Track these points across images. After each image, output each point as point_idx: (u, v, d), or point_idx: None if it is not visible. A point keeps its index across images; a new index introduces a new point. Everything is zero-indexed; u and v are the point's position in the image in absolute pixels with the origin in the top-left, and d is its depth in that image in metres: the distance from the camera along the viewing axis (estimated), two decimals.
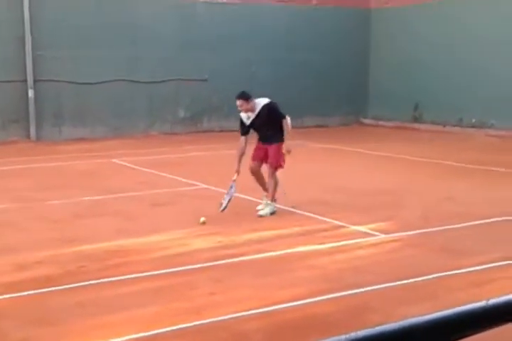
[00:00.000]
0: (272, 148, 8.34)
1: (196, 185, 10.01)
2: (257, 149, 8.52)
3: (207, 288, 5.46)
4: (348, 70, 19.61)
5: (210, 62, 17.52)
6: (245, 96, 8.36)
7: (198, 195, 9.44)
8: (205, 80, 17.51)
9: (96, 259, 6.21)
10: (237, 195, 8.51)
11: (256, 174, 8.50)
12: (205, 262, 6.13)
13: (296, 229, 7.39)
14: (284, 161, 8.41)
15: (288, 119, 8.38)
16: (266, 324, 4.74)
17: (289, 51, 18.52)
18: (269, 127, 8.33)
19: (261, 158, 8.45)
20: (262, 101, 8.46)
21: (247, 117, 8.43)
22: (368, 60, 20.09)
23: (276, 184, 8.41)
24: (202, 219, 7.67)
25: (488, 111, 16.80)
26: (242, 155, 8.37)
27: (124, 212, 8.35)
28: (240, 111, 8.49)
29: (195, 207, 8.66)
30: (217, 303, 5.10)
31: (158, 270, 5.88)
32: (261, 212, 8.15)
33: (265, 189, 8.45)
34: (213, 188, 9.74)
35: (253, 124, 8.38)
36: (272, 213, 8.17)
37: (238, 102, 8.35)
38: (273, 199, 8.31)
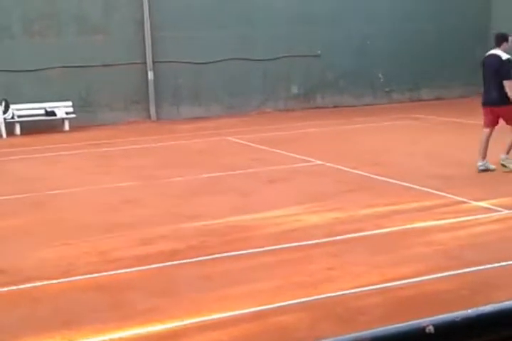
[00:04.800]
0: None
1: (311, 162, 10.03)
2: None
3: (324, 263, 5.50)
4: (467, 39, 18.78)
5: (322, 37, 17.35)
6: None
7: (312, 171, 9.46)
8: (318, 56, 17.38)
9: (216, 234, 6.39)
10: (349, 170, 8.44)
11: None
12: (322, 238, 6.16)
13: (414, 205, 7.25)
14: None
15: None
16: (383, 300, 4.71)
17: (403, 22, 17.98)
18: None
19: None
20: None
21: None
22: (489, 27, 19.12)
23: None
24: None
25: None
26: None
27: (241, 188, 8.52)
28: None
29: (310, 183, 8.69)
30: (334, 278, 5.13)
31: (276, 245, 5.98)
32: None
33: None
34: (328, 164, 9.72)
35: None
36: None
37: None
38: None
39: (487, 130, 8.89)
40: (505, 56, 8.58)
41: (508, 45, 8.73)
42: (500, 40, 8.72)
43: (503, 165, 8.82)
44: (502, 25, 18.69)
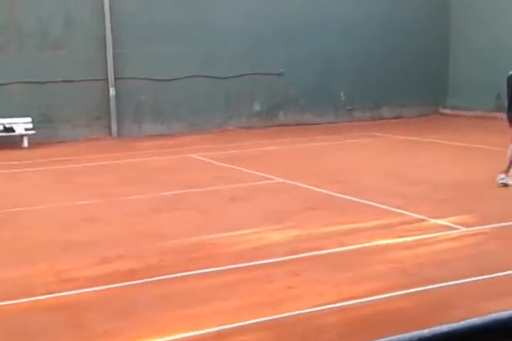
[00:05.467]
0: None
1: (273, 179, 10.05)
2: None
3: (284, 281, 5.49)
4: (426, 59, 19.15)
5: (285, 55, 17.50)
6: None
7: (274, 189, 9.48)
8: (281, 74, 17.51)
9: (176, 253, 6.34)
10: (310, 188, 8.50)
11: None
12: (283, 256, 6.16)
13: (375, 223, 7.31)
14: None
15: None
16: (343, 319, 4.72)
17: (366, 41, 18.24)
18: None
19: None
20: None
21: None
22: (448, 48, 19.55)
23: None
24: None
25: None
26: None
27: (202, 206, 8.48)
28: None
29: (272, 201, 8.71)
30: (294, 297, 5.12)
31: (238, 264, 5.96)
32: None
33: None
34: (290, 182, 9.76)
35: None
36: None
37: None
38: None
39: None
40: None
41: None
42: None
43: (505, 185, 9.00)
44: (461, 48, 19.16)
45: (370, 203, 8.22)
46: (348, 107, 18.41)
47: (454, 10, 19.31)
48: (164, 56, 16.25)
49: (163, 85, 16.40)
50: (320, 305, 4.90)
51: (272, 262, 6.02)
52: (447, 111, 19.40)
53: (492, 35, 18.10)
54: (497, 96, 18.17)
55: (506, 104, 9.29)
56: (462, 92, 19.10)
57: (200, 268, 5.82)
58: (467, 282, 5.29)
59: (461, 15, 19.10)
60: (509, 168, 9.08)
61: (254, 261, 6.03)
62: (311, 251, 6.30)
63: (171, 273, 5.71)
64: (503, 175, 9.07)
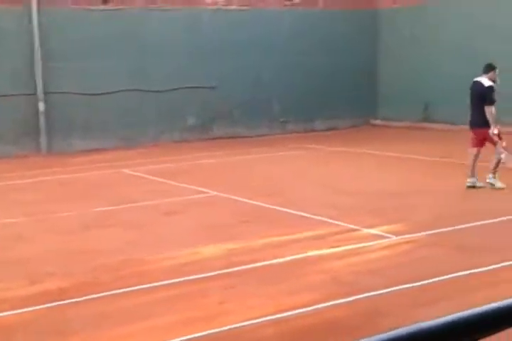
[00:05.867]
0: None
1: (207, 193, 9.99)
2: None
3: (219, 295, 5.44)
4: (356, 72, 19.55)
5: (218, 69, 17.53)
6: None
7: (208, 203, 9.42)
8: (214, 88, 17.52)
9: (109, 270, 6.20)
10: (244, 200, 8.50)
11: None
12: (218, 270, 6.11)
13: (308, 234, 7.35)
14: None
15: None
16: (278, 331, 4.70)
17: (296, 55, 18.49)
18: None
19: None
20: None
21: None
22: (377, 62, 20.02)
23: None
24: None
25: (499, 108, 16.64)
26: None
27: (136, 221, 8.35)
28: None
29: (206, 214, 8.65)
30: (229, 311, 5.07)
31: (171, 279, 5.87)
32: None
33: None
34: (224, 195, 9.72)
35: None
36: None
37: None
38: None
39: (473, 150, 9.61)
40: (487, 83, 9.44)
41: (495, 76, 9.56)
42: (489, 69, 9.60)
43: (491, 185, 9.49)
44: (389, 61, 19.64)
45: (304, 214, 8.27)
46: (281, 119, 18.57)
47: (382, 25, 19.81)
48: (95, 70, 16.02)
49: (94, 99, 16.14)
50: (255, 318, 4.87)
51: (207, 276, 5.96)
52: (378, 122, 19.81)
53: (419, 49, 18.64)
54: (425, 108, 18.70)
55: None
56: (392, 104, 19.56)
57: (134, 285, 5.71)
58: (399, 289, 5.36)
59: (388, 31, 19.60)
60: (473, 172, 9.54)
61: (188, 275, 5.95)
62: (246, 264, 6.27)
63: (105, 291, 5.58)
64: (469, 179, 9.53)
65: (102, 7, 16.19)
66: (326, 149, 14.96)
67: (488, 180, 9.54)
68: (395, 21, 19.35)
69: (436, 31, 18.15)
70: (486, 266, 5.84)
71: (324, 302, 5.14)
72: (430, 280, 5.53)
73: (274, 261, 6.35)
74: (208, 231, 7.67)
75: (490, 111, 9.33)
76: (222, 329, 4.68)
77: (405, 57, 19.07)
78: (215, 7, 17.65)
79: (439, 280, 5.54)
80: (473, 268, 5.79)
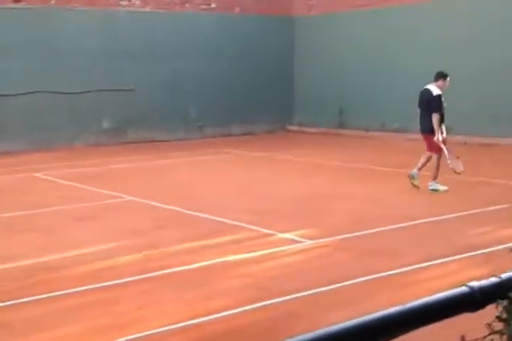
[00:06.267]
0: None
1: (122, 198, 9.81)
2: None
3: (134, 302, 5.34)
4: (273, 78, 19.75)
5: (134, 72, 17.29)
6: None
7: (124, 208, 9.26)
8: (131, 90, 17.27)
9: (15, 278, 5.97)
10: (160, 205, 8.40)
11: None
12: (132, 276, 6.00)
13: (226, 239, 7.34)
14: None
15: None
16: (194, 336, 4.66)
17: (214, 59, 18.50)
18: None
19: None
20: None
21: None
22: (293, 67, 20.30)
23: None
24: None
25: (409, 115, 17.20)
26: None
27: (47, 227, 8.10)
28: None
29: (121, 219, 8.49)
30: (144, 318, 4.99)
31: (83, 286, 5.71)
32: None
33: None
34: (140, 200, 9.58)
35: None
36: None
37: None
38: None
39: (430, 153, 9.87)
40: (436, 92, 9.69)
41: (445, 84, 9.81)
42: (439, 77, 9.83)
43: (412, 177, 9.88)
44: (304, 68, 19.95)
45: (221, 219, 8.25)
46: (199, 124, 18.52)
47: (298, 31, 20.11)
48: (5, 71, 15.47)
49: (5, 101, 15.57)
50: (170, 324, 4.81)
51: (121, 283, 5.84)
52: (294, 127, 20.08)
53: (334, 56, 19.03)
54: (339, 114, 19.10)
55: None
56: (308, 110, 19.88)
57: (43, 293, 5.52)
58: (313, 293, 5.43)
59: (305, 37, 19.92)
60: (435, 175, 9.80)
61: (101, 282, 5.81)
62: (161, 269, 6.19)
63: (12, 299, 5.36)
64: (432, 182, 9.79)
65: (13, 6, 15.68)
66: (243, 154, 15.03)
67: (430, 187, 9.79)
68: (311, 28, 19.69)
69: (351, 39, 18.60)
70: (395, 269, 6.00)
71: (240, 306, 5.14)
72: (342, 284, 5.62)
73: (191, 266, 6.30)
74: (123, 236, 7.53)
75: (436, 118, 9.62)
76: (136, 336, 4.59)
77: (321, 64, 19.44)
78: (130, 9, 17.43)
79: (350, 284, 5.65)
80: (383, 272, 5.94)
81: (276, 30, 19.79)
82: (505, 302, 1.44)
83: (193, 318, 4.93)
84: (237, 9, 19.21)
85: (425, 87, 9.99)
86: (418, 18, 17.02)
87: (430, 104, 9.71)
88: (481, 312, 1.41)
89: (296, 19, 20.16)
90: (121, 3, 17.35)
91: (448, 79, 9.84)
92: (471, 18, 15.87)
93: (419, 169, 9.90)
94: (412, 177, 9.88)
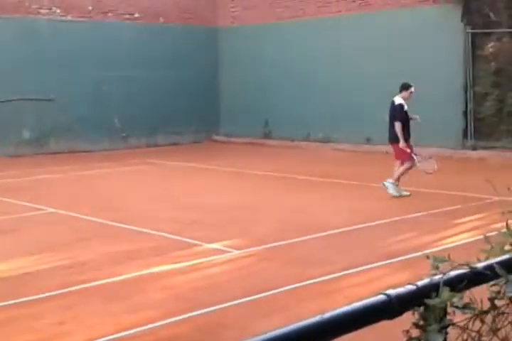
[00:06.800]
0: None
1: (43, 210, 9.56)
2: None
3: (55, 317, 5.20)
4: (198, 88, 19.74)
5: (56, 82, 16.92)
6: None
7: (44, 220, 9.01)
8: (51, 100, 16.87)
9: None
10: (83, 217, 8.22)
11: None
12: (54, 290, 5.85)
13: (150, 250, 7.25)
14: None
15: None
16: None
17: (138, 69, 18.34)
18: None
19: None
20: None
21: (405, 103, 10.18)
22: (218, 78, 20.36)
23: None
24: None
25: (333, 126, 17.57)
26: None
27: None
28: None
29: (41, 232, 8.27)
30: (66, 333, 4.87)
31: (1, 302, 5.52)
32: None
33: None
34: (61, 212, 9.35)
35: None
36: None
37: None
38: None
39: (400, 162, 10.27)
40: (398, 102, 10.18)
41: (408, 94, 10.16)
42: (402, 88, 10.31)
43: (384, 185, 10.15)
44: (230, 79, 20.05)
45: (145, 230, 8.16)
46: (123, 134, 18.27)
47: (222, 42, 20.20)
48: None
49: None
50: (95, 338, 4.71)
51: (42, 297, 5.68)
52: (220, 137, 20.11)
53: (258, 67, 19.20)
54: (265, 124, 19.27)
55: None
56: (234, 120, 19.95)
57: None
58: (239, 303, 5.43)
59: (229, 48, 20.03)
60: (399, 178, 10.13)
61: (21, 297, 5.63)
62: (84, 283, 6.05)
63: None
64: (390, 180, 10.11)
65: None
66: (168, 164, 14.92)
67: (385, 184, 10.13)
68: (236, 39, 19.82)
69: (275, 50, 18.81)
70: (320, 277, 6.08)
71: (165, 319, 5.08)
72: (269, 293, 5.65)
73: (115, 278, 6.19)
74: (43, 249, 7.32)
75: (398, 126, 10.02)
76: None
77: (246, 74, 19.57)
78: (51, 17, 17.07)
79: (277, 292, 5.68)
80: (309, 280, 6.01)
81: (200, 41, 19.81)
82: (421, 309, 1.48)
83: (117, 332, 4.84)
84: (161, 19, 19.13)
85: (392, 99, 10.41)
86: (341, 30, 17.40)
87: (393, 114, 10.18)
88: (398, 319, 1.45)
89: (220, 30, 20.25)
90: (42, 11, 16.98)
91: (410, 89, 10.21)
92: (388, 31, 16.35)
93: (396, 179, 10.15)
94: (384, 186, 10.13)
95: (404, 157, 10.19)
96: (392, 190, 10.09)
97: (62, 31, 17.11)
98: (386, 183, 10.15)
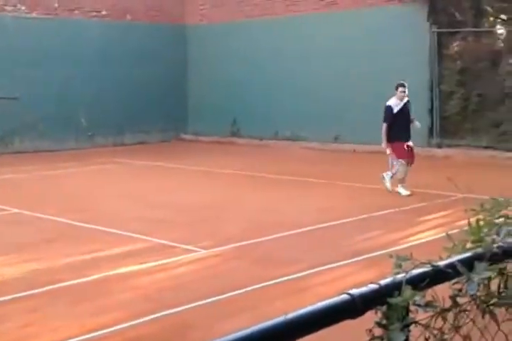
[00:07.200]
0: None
1: (7, 210, 9.41)
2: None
3: (20, 320, 5.13)
4: (166, 87, 19.62)
5: (20, 79, 16.66)
6: None
7: (8, 221, 8.87)
8: (16, 98, 16.61)
9: None
10: (49, 218, 8.12)
11: None
12: (19, 292, 5.76)
13: (117, 251, 7.20)
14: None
15: None
16: None
17: (105, 67, 18.16)
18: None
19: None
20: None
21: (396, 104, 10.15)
22: (186, 77, 20.27)
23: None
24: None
25: (302, 124, 17.62)
26: None
27: None
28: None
29: (5, 233, 8.14)
30: (30, 335, 4.80)
31: None
32: None
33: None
34: (26, 213, 9.21)
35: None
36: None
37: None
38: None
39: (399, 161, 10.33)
40: (388, 103, 10.23)
41: (399, 93, 10.13)
42: (395, 88, 10.19)
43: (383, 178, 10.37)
44: (198, 78, 19.98)
45: (113, 230, 8.08)
46: (89, 133, 18.09)
47: (190, 40, 20.12)
48: None
49: None
50: None
51: (7, 300, 5.59)
52: (188, 136, 20.03)
53: (226, 65, 19.16)
54: (233, 123, 19.25)
55: None
56: (202, 119, 19.88)
57: None
58: (206, 303, 5.40)
59: (197, 46, 19.96)
60: (403, 179, 10.27)
61: None
62: (50, 284, 5.98)
63: None
64: (389, 173, 10.29)
65: None
66: (136, 163, 14.81)
67: (384, 176, 10.35)
68: (204, 37, 19.76)
69: (243, 48, 18.80)
70: (287, 276, 6.09)
71: (131, 320, 5.04)
72: (236, 292, 5.64)
73: (81, 280, 6.12)
74: (8, 251, 7.21)
75: (384, 127, 10.14)
76: None
77: (214, 73, 19.52)
78: (15, 14, 16.81)
79: (244, 292, 5.68)
80: (276, 279, 6.02)
81: (168, 39, 19.71)
82: (384, 308, 1.48)
83: (83, 334, 4.78)
84: (129, 17, 18.98)
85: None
86: (309, 28, 17.44)
87: (384, 115, 10.26)
88: (361, 318, 1.45)
89: (188, 28, 20.17)
90: (6, 8, 16.72)
91: (400, 89, 10.17)
92: (355, 29, 16.45)
93: (401, 181, 10.27)
94: (382, 178, 10.35)
95: (399, 156, 10.22)
96: (389, 184, 10.30)
97: (27, 28, 16.86)
98: (386, 174, 10.36)
